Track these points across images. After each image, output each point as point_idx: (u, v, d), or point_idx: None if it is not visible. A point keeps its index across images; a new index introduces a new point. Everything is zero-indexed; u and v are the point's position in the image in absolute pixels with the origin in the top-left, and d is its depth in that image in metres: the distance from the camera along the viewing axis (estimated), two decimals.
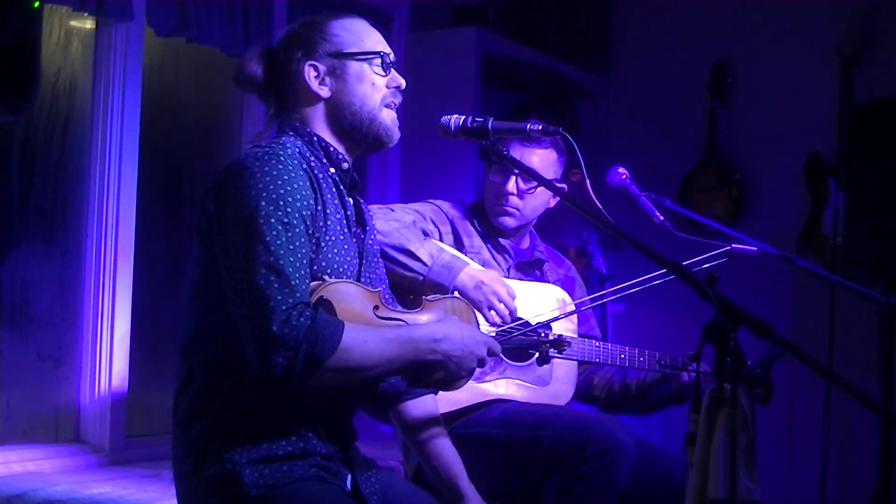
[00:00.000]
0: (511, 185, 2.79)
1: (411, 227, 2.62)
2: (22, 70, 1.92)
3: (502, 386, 2.67)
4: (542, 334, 2.44)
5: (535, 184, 2.78)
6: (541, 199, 2.85)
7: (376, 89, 2.08)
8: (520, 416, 2.60)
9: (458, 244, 2.81)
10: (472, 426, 2.58)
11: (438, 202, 2.87)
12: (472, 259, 2.77)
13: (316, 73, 2.07)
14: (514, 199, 2.81)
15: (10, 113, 1.97)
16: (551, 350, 2.43)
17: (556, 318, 2.62)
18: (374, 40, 2.11)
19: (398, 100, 2.13)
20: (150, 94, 3.49)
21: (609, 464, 2.42)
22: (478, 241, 2.84)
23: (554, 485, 2.49)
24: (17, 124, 3.16)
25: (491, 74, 4.29)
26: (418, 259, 2.52)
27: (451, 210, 2.86)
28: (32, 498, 2.74)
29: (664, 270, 1.84)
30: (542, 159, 2.80)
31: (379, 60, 2.09)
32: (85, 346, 3.33)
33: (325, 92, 2.07)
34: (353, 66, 2.07)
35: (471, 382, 2.61)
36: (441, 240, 2.79)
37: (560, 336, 2.44)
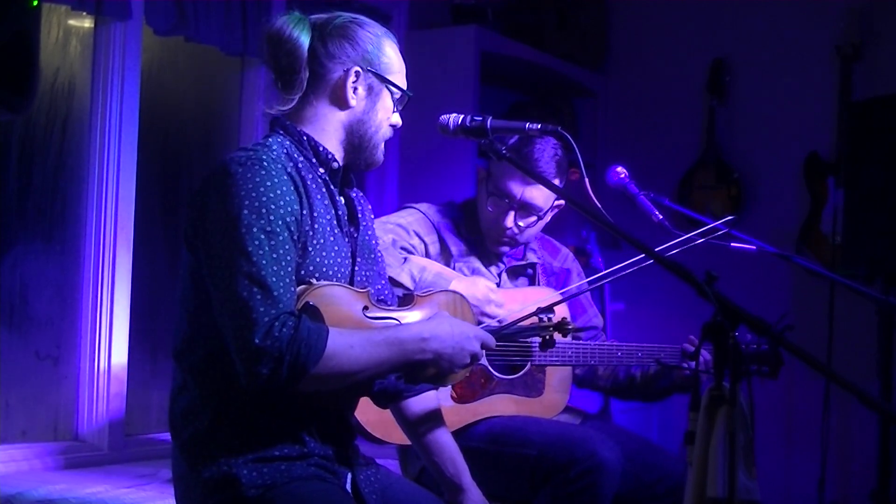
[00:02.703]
0: (509, 221, 2.71)
1: (390, 250, 2.55)
2: (21, 69, 1.92)
3: (494, 403, 2.64)
4: (545, 318, 2.38)
5: (534, 218, 2.73)
6: (539, 226, 2.79)
7: (387, 121, 2.08)
8: (505, 431, 2.58)
9: (446, 254, 2.74)
10: (461, 440, 2.53)
11: (424, 208, 2.79)
12: (460, 269, 2.74)
13: (354, 80, 2.02)
14: (511, 232, 2.74)
15: (8, 111, 1.97)
16: (556, 334, 2.33)
17: (545, 308, 2.43)
18: (403, 75, 2.11)
19: (390, 136, 2.13)
20: (149, 92, 3.49)
21: (593, 483, 2.41)
22: (466, 250, 2.77)
23: (544, 499, 2.49)
24: (16, 123, 3.16)
25: (490, 73, 4.29)
26: (400, 284, 2.47)
27: (437, 216, 2.78)
28: (31, 496, 2.74)
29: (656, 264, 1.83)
30: (544, 193, 2.70)
31: (404, 99, 2.09)
32: (83, 345, 3.32)
33: (353, 101, 2.03)
34: (385, 93, 2.06)
35: (461, 405, 2.59)
36: (427, 252, 2.72)
37: (563, 318, 2.34)
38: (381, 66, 2.04)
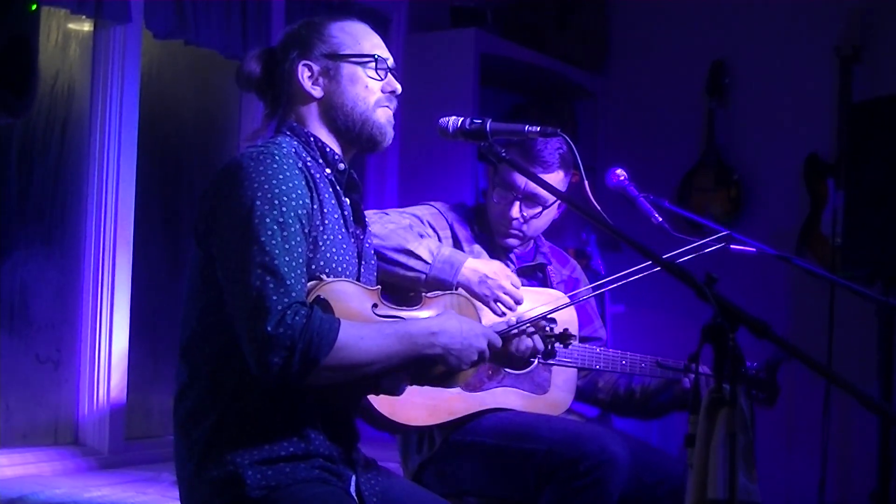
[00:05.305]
0: (515, 211, 2.73)
1: (408, 230, 2.57)
2: (20, 72, 1.92)
3: (500, 395, 2.65)
4: (548, 328, 2.40)
5: (539, 209, 2.74)
6: (546, 219, 2.80)
7: (370, 91, 2.08)
8: (514, 427, 2.58)
9: (458, 249, 2.77)
10: (466, 433, 2.56)
11: (437, 204, 2.82)
12: None
13: (310, 73, 2.07)
14: (517, 223, 2.75)
15: (8, 115, 1.97)
16: (557, 344, 2.36)
17: (552, 311, 2.50)
18: (371, 44, 2.11)
19: (393, 104, 2.13)
20: (149, 96, 3.49)
21: (601, 479, 2.41)
22: (477, 247, 2.79)
23: (549, 496, 2.48)
24: (16, 127, 3.16)
25: (489, 75, 4.29)
26: (419, 258, 2.46)
27: (450, 213, 2.81)
28: (31, 501, 2.74)
29: (659, 268, 1.83)
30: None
31: (374, 63, 2.09)
32: (84, 349, 3.33)
33: (317, 92, 2.08)
34: (347, 67, 2.08)
35: (468, 392, 2.60)
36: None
37: (566, 330, 2.38)
38: (330, 47, 2.08)
